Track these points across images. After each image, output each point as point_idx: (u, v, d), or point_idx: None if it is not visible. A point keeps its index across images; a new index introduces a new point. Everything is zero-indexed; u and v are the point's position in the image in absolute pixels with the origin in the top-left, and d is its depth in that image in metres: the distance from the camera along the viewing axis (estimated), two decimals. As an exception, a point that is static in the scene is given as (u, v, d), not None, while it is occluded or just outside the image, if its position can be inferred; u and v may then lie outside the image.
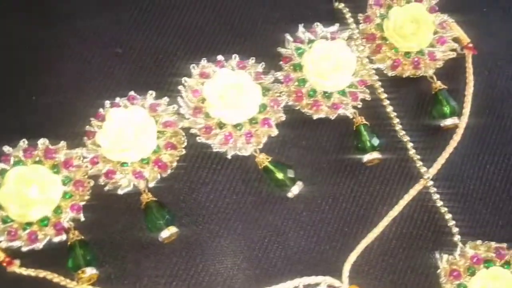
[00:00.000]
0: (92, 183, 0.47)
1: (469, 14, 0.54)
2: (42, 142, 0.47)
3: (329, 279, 0.45)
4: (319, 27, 0.52)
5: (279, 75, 0.51)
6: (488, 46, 0.54)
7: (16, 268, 0.45)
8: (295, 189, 0.47)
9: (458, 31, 0.54)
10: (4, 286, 0.45)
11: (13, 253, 0.45)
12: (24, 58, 0.52)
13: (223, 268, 0.46)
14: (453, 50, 0.53)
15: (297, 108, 0.50)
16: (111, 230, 0.47)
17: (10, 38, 0.52)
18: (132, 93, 0.49)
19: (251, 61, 0.51)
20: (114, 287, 0.45)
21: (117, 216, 0.47)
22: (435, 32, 0.53)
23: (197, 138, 0.48)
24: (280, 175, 0.47)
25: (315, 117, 0.50)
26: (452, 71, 0.53)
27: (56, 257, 0.45)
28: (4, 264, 0.45)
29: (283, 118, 0.49)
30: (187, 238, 0.47)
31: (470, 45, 0.53)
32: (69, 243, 0.45)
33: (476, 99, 0.52)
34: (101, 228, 0.47)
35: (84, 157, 0.48)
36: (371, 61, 0.52)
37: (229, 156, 0.47)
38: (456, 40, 0.53)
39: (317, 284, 0.45)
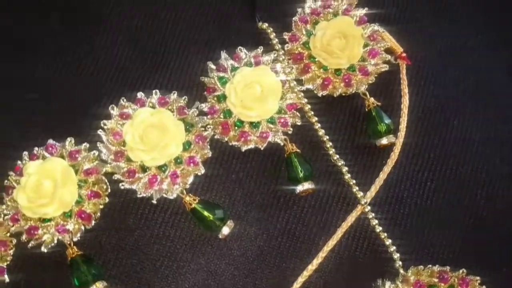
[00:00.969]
0: (15, 241, 0.46)
1: (400, 23, 0.52)
2: (-42, 204, 0.46)
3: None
4: (242, 52, 0.50)
5: (204, 106, 0.49)
6: (421, 54, 0.52)
7: None
8: (225, 230, 0.46)
9: (390, 40, 0.52)
10: None
11: None
12: None
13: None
14: (386, 62, 0.51)
15: (224, 141, 0.49)
16: (38, 288, 0.46)
17: None
18: (50, 141, 0.48)
19: (173, 95, 0.49)
20: None
21: (44, 274, 0.46)
22: (365, 45, 0.51)
23: (120, 184, 0.46)
24: (209, 217, 0.46)
25: (243, 148, 0.48)
26: (386, 84, 0.51)
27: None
28: None
29: (210, 154, 0.47)
30: (116, 290, 0.46)
31: (404, 55, 0.51)
32: (-6, 308, 0.45)
33: (413, 112, 0.50)
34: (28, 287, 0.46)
35: (4, 215, 0.46)
36: (300, 82, 0.50)
37: (154, 201, 0.46)
38: (388, 51, 0.51)
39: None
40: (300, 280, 0.46)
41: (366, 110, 0.50)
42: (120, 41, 0.52)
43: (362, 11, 0.52)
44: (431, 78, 0.52)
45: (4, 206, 0.47)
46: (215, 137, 0.49)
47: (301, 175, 0.47)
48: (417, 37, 0.53)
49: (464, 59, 0.52)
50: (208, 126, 0.49)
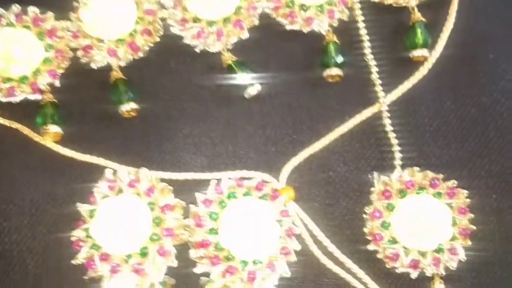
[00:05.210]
0: (71, 54, 0.56)
1: None
2: (32, 10, 0.56)
3: (266, 177, 0.53)
4: None
5: (267, -21, 0.57)
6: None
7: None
8: (252, 90, 0.54)
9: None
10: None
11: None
12: None
13: (175, 149, 0.54)
14: (443, -16, 0.57)
15: (273, 16, 0.56)
16: (81, 98, 0.56)
17: None
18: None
19: None
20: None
21: (88, 88, 0.56)
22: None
23: (171, 28, 0.55)
24: (240, 75, 0.54)
25: (288, 28, 0.56)
26: (437, 5, 0.57)
27: (30, 113, 0.55)
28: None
29: (256, 23, 0.55)
30: (146, 118, 0.55)
31: (460, -21, 0.57)
32: (42, 103, 0.55)
33: (453, 37, 0.56)
34: (73, 95, 0.56)
35: (68, 30, 0.56)
36: (357, -19, 0.57)
37: (197, 50, 0.55)
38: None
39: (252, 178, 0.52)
40: (304, 153, 0.54)
41: (411, 24, 0.56)
42: None
43: None
44: (479, 11, 0.57)
45: (69, 23, 0.56)
46: (265, 10, 0.56)
47: (333, 61, 0.55)
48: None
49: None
50: None
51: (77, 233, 0.49)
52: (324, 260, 0.52)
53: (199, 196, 0.50)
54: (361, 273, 0.52)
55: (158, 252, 0.47)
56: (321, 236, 0.52)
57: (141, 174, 0.50)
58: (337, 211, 0.54)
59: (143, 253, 0.47)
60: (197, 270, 0.48)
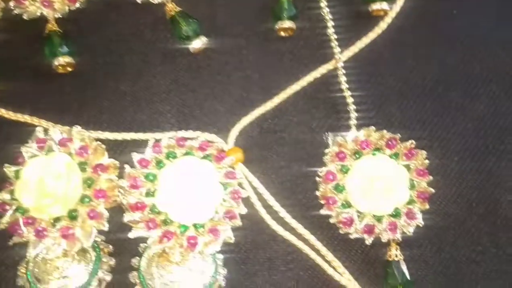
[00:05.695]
0: (2, 5, 0.52)
1: None
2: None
3: (213, 137, 0.49)
4: None
5: None
6: None
7: None
8: (197, 43, 0.50)
9: None
10: None
11: None
12: None
13: (113, 106, 0.51)
14: None
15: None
16: (12, 53, 0.51)
17: None
18: None
19: None
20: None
21: (21, 41, 0.52)
22: None
23: (109, -24, 0.51)
24: (184, 27, 0.50)
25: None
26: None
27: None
28: None
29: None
30: (83, 73, 0.51)
31: None
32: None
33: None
34: (4, 49, 0.51)
35: (-3, -22, 0.52)
36: None
37: (139, 1, 0.51)
38: None
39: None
40: (255, 113, 0.50)
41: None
42: None
43: None
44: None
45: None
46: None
47: (285, 13, 0.51)
48: None
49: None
50: None
51: (1, 196, 0.45)
52: (275, 225, 0.49)
53: (135, 156, 0.46)
54: (313, 239, 0.49)
55: (89, 215, 0.44)
56: (271, 200, 0.49)
57: (74, 132, 0.46)
58: (289, 174, 0.50)
59: (72, 216, 0.44)
60: (132, 235, 0.44)
